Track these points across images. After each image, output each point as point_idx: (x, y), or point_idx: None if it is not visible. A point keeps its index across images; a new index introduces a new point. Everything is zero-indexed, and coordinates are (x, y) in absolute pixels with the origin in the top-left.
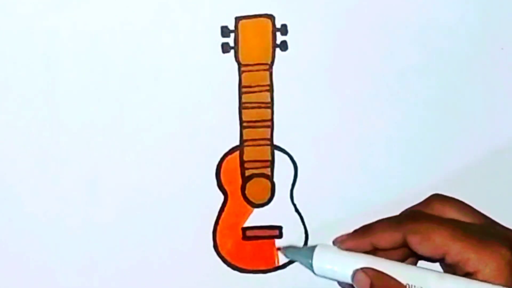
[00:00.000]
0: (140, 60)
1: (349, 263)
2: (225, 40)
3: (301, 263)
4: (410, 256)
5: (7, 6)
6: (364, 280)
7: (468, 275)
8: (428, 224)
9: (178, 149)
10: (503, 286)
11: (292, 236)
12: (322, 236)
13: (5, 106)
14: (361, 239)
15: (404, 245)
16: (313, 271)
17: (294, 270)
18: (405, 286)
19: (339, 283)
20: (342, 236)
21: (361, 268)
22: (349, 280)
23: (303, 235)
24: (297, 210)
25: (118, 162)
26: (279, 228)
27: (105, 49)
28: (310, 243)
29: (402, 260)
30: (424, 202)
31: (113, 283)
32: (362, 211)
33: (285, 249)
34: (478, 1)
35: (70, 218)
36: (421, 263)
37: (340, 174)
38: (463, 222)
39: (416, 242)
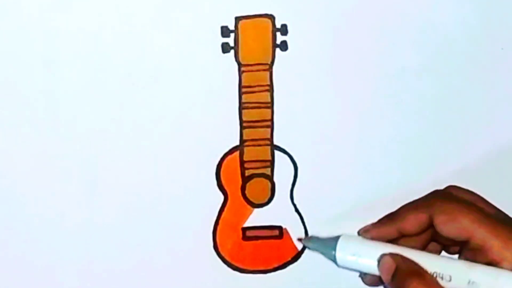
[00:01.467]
0: (140, 60)
1: (374, 253)
2: (225, 40)
3: (324, 254)
4: (434, 241)
5: (7, 6)
6: (390, 263)
7: (491, 263)
8: (456, 205)
9: (178, 149)
10: None
11: (292, 236)
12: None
13: (4, 106)
14: (387, 226)
15: (429, 227)
16: (336, 262)
17: (294, 270)
18: (428, 272)
19: (362, 277)
20: (367, 226)
21: (388, 253)
22: (372, 271)
23: (303, 235)
24: (297, 210)
25: (118, 162)
26: (279, 228)
27: (105, 49)
28: None
29: (425, 246)
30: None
31: (113, 283)
32: (363, 211)
33: (307, 240)
34: (478, 1)
35: (70, 218)
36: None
37: (340, 174)
38: (486, 210)
39: (442, 222)
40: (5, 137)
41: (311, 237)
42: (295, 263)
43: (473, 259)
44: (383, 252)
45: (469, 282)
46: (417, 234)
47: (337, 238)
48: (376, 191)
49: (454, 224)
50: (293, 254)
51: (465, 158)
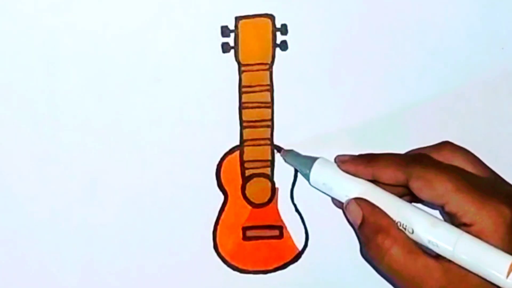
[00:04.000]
0: (140, 60)
1: (346, 186)
2: (225, 40)
3: (299, 170)
4: (408, 195)
5: (7, 6)
6: (357, 212)
7: (463, 225)
8: (433, 172)
9: (178, 149)
10: (496, 245)
11: (292, 236)
12: (322, 236)
13: (4, 106)
14: (364, 166)
15: (406, 185)
16: (309, 181)
17: (294, 270)
18: (396, 225)
19: (332, 199)
20: (344, 156)
21: (355, 199)
22: (342, 200)
23: (303, 235)
24: (297, 210)
25: (118, 162)
26: (279, 228)
27: (105, 49)
28: (310, 243)
29: (400, 196)
30: (435, 146)
31: (113, 284)
32: None
33: (286, 153)
34: (478, 1)
35: (70, 218)
36: None
37: None
38: (469, 174)
39: (418, 188)
40: (5, 137)
41: (291, 151)
42: (295, 263)
43: (450, 221)
44: (354, 188)
45: (428, 241)
46: (394, 185)
47: (314, 160)
48: None
49: (429, 191)
50: (293, 254)
51: None
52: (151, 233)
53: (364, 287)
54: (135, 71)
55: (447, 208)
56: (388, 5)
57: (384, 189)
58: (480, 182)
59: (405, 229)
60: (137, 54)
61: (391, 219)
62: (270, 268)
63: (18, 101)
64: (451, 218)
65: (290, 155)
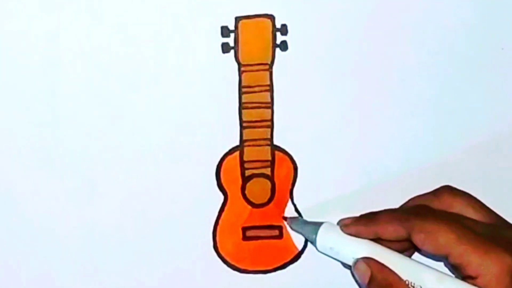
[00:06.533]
0: (140, 60)
1: (352, 248)
2: (225, 40)
3: (306, 237)
4: (412, 248)
5: (7, 6)
6: (365, 271)
7: (468, 278)
8: (434, 224)
9: (178, 149)
10: None
11: (292, 236)
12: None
13: (4, 107)
14: (365, 227)
15: (408, 239)
16: (316, 247)
17: (294, 270)
18: (405, 283)
19: (342, 263)
20: (347, 219)
21: (363, 258)
22: (350, 263)
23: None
24: (297, 210)
25: (118, 162)
26: (279, 228)
27: (105, 49)
28: (310, 243)
29: (404, 250)
30: (433, 193)
31: (113, 284)
32: (363, 211)
33: (292, 221)
34: (478, 1)
35: (69, 217)
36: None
37: (340, 174)
38: (471, 221)
39: (421, 240)
40: (5, 138)
41: (296, 218)
42: (295, 263)
43: (455, 272)
44: (360, 250)
45: None
46: (397, 241)
47: (319, 225)
48: (376, 191)
49: (432, 243)
50: (293, 254)
51: (465, 158)
52: (151, 233)
53: None
54: (135, 71)
55: (450, 259)
56: (388, 5)
57: (388, 245)
58: (483, 229)
59: (413, 287)
60: (137, 54)
61: (399, 276)
62: (270, 268)
63: (18, 101)
64: (455, 269)
65: (296, 223)
